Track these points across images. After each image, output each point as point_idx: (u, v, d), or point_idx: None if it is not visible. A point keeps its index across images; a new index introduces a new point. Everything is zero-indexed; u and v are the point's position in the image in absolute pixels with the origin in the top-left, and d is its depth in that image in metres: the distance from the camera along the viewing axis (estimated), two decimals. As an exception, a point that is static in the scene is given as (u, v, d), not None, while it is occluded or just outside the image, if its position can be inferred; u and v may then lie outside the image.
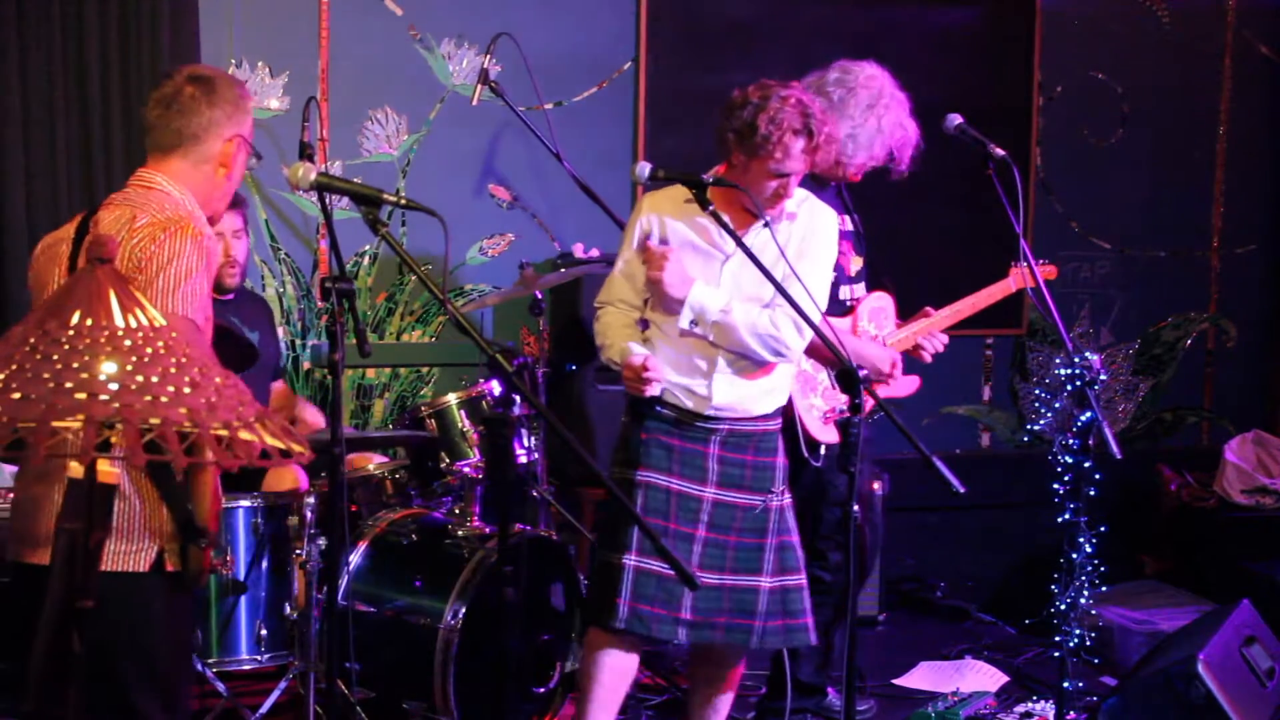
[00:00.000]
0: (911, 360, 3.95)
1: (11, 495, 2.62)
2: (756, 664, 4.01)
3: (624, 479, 3.24)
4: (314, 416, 4.27)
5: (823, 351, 3.59)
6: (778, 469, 3.32)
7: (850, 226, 3.87)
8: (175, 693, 2.45)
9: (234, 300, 4.17)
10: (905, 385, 3.95)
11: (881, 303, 3.90)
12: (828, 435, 3.68)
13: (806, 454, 3.61)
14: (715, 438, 3.25)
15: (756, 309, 3.18)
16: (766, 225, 3.10)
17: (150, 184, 2.49)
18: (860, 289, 3.86)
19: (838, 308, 3.78)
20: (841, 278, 3.80)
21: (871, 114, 3.69)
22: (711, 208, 2.98)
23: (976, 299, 4.01)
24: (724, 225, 3.04)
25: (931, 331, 3.90)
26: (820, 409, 3.68)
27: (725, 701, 3.46)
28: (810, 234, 3.25)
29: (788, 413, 3.60)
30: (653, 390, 3.17)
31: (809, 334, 3.19)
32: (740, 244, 3.01)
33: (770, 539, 3.28)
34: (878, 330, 3.87)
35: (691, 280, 3.15)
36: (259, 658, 3.64)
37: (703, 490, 3.23)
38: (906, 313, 3.97)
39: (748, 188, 3.10)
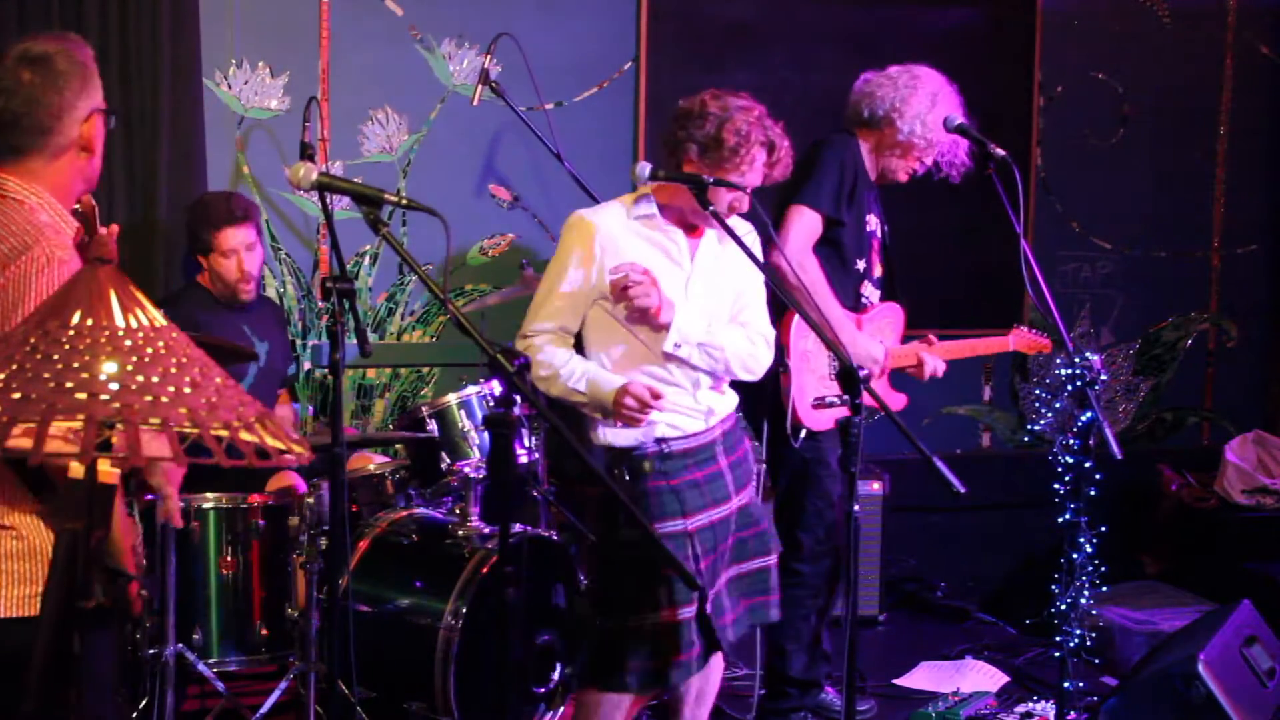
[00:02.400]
0: (901, 379, 3.99)
1: None
2: (754, 664, 4.01)
3: (663, 535, 2.95)
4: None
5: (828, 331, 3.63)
6: (751, 447, 3.32)
7: (880, 234, 3.90)
8: None
9: (248, 308, 4.16)
10: (893, 401, 3.96)
11: (892, 314, 3.95)
12: (813, 420, 3.68)
13: (789, 433, 3.61)
14: (719, 448, 3.18)
15: (736, 330, 3.16)
16: (765, 222, 3.09)
17: (3, 191, 2.22)
18: (876, 294, 3.90)
19: (855, 303, 3.82)
20: (868, 275, 3.83)
21: (935, 102, 3.79)
22: (712, 208, 2.97)
23: (975, 345, 4.19)
24: (727, 229, 3.03)
25: (933, 354, 3.94)
26: (811, 392, 3.68)
27: (711, 694, 3.40)
28: (753, 247, 3.22)
29: (777, 391, 3.60)
30: (648, 420, 2.99)
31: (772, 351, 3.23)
32: (747, 250, 3.00)
33: (765, 520, 3.29)
34: (882, 340, 3.89)
35: (673, 304, 3.03)
36: (259, 658, 3.64)
37: (730, 504, 3.17)
38: (911, 324, 4.03)
39: (695, 200, 3.00)
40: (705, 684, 3.33)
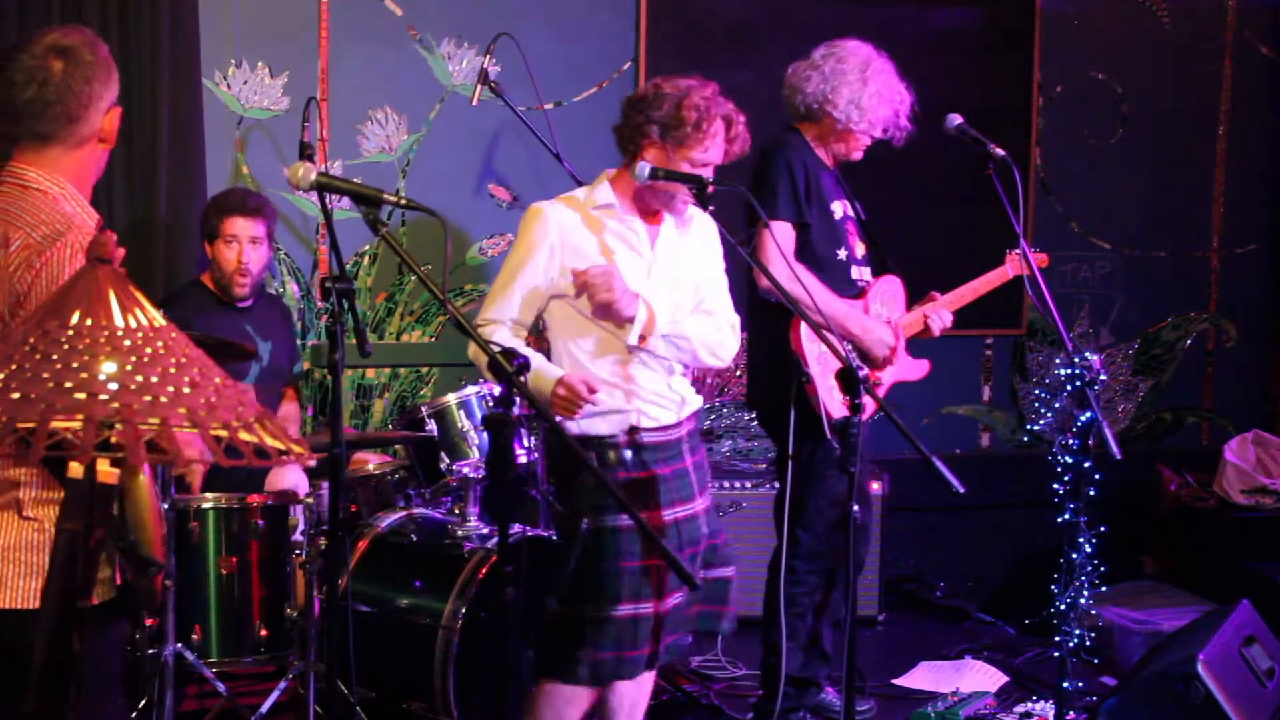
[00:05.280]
0: (920, 344, 3.98)
1: None
2: (753, 664, 4.01)
3: (626, 528, 2.98)
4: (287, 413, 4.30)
5: (838, 328, 3.62)
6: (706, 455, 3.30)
7: (852, 212, 3.90)
8: None
9: (250, 308, 4.17)
10: (916, 369, 3.98)
11: (892, 286, 3.94)
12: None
13: (830, 435, 3.60)
14: (685, 446, 3.14)
15: (703, 318, 3.15)
16: (765, 222, 3.10)
17: (24, 182, 2.27)
18: (867, 272, 3.89)
19: (851, 289, 3.81)
20: (852, 260, 3.83)
21: (866, 78, 3.76)
22: (711, 208, 2.97)
23: (977, 285, 4.07)
24: (724, 233, 3.02)
25: (938, 309, 3.93)
26: (838, 392, 3.67)
27: (644, 705, 3.32)
28: (711, 235, 3.23)
29: (804, 396, 3.60)
30: (579, 415, 2.95)
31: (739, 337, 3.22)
32: (745, 254, 3.00)
33: (724, 531, 3.26)
34: (888, 314, 3.90)
35: (636, 296, 2.99)
36: (259, 658, 3.64)
37: (694, 504, 3.14)
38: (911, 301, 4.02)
39: (662, 185, 3.00)
40: (639, 694, 3.26)
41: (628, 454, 3.05)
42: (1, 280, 2.18)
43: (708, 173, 3.04)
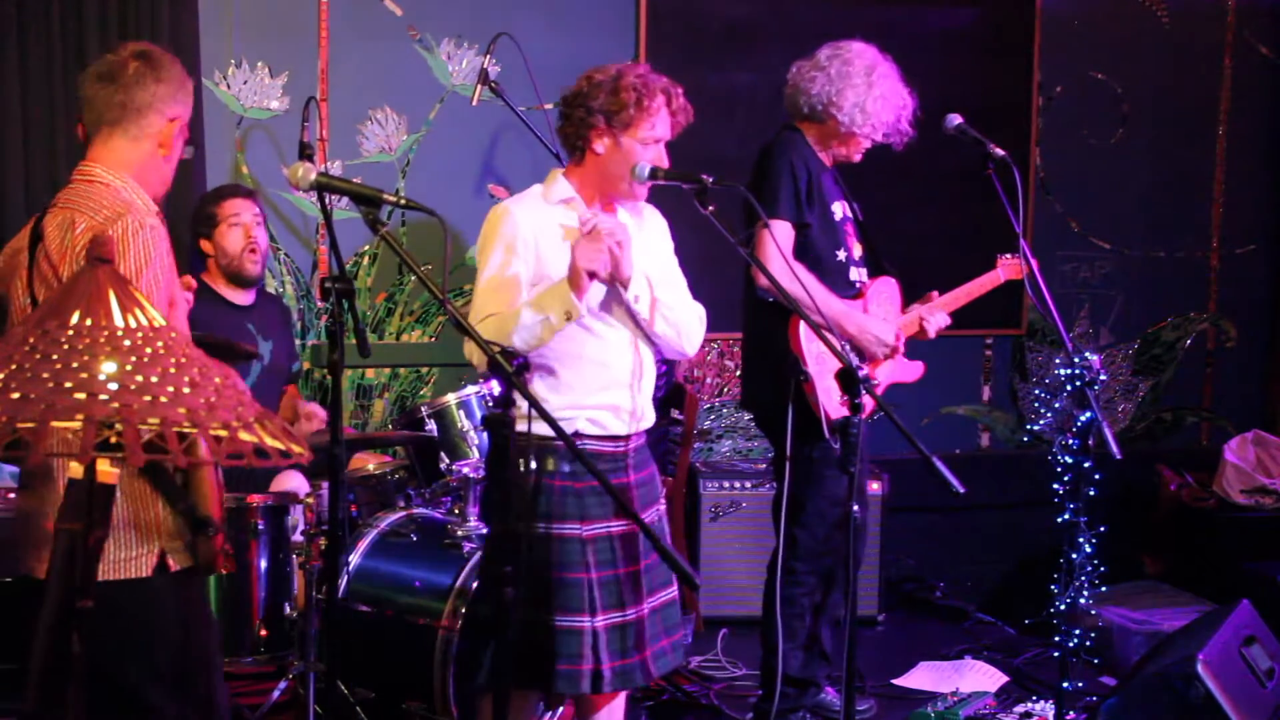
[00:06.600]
0: (919, 343, 3.98)
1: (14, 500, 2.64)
2: (753, 664, 4.01)
3: (557, 536, 2.94)
4: (315, 409, 4.25)
5: (835, 327, 3.60)
6: (656, 472, 3.22)
7: (850, 213, 3.90)
8: (196, 687, 2.46)
9: (251, 306, 4.18)
10: (911, 370, 3.98)
11: (888, 287, 3.95)
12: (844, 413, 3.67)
13: (829, 435, 3.59)
14: (630, 461, 3.06)
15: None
16: (765, 223, 3.08)
17: (90, 177, 2.47)
18: (864, 273, 3.89)
19: (850, 290, 3.81)
20: (850, 261, 3.83)
21: (872, 82, 3.75)
22: (711, 208, 2.95)
23: (970, 288, 4.08)
24: (724, 232, 3.02)
25: (934, 310, 3.94)
26: (835, 391, 3.66)
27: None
28: (662, 228, 3.21)
29: (802, 396, 3.59)
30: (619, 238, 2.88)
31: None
32: (743, 247, 2.99)
33: (667, 543, 3.21)
34: (885, 315, 3.90)
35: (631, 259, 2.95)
36: (259, 658, 3.64)
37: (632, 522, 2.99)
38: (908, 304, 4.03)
39: (618, 169, 2.97)
40: (612, 714, 3.19)
41: (566, 462, 2.96)
42: (71, 260, 2.36)
43: (660, 149, 3.01)
